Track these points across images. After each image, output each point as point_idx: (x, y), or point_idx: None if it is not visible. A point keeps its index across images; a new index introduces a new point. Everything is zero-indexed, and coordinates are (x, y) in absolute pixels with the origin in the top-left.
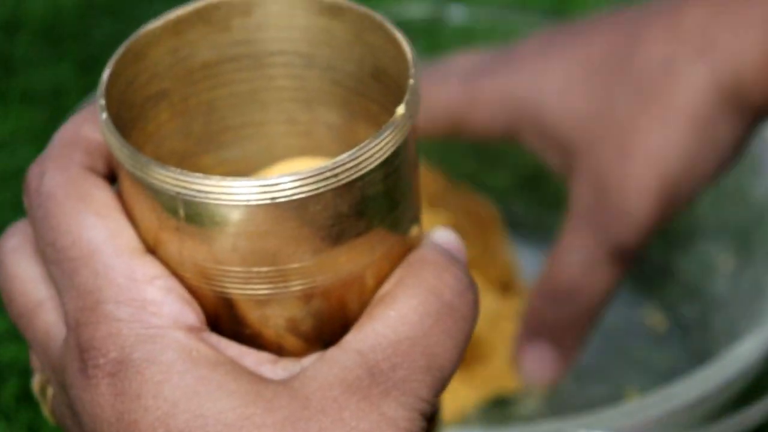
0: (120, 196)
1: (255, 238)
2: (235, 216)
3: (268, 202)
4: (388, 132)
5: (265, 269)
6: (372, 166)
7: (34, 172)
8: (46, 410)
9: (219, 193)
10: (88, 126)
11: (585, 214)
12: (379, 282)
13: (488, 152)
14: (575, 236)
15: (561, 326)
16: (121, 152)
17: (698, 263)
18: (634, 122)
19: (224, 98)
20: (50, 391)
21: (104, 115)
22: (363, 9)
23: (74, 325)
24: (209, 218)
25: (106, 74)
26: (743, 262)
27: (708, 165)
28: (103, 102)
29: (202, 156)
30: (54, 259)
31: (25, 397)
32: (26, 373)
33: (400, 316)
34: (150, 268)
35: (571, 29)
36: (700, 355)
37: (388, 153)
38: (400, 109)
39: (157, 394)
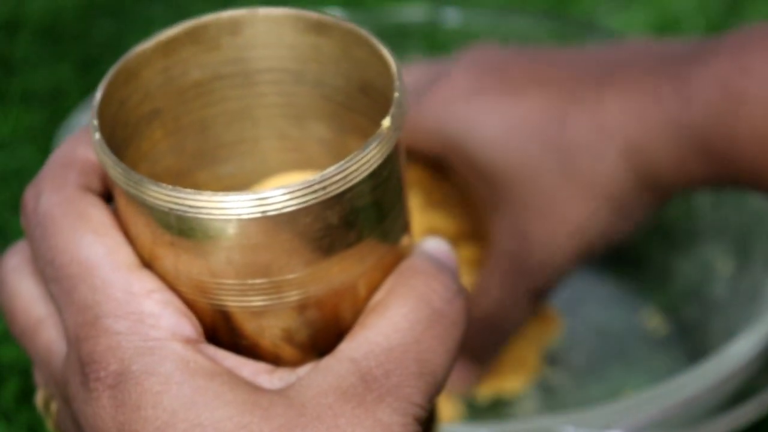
0: (116, 214)
1: (248, 251)
2: (227, 230)
3: (259, 215)
4: (374, 144)
5: (259, 281)
6: (360, 178)
7: (30, 193)
8: (50, 425)
9: (211, 208)
10: (83, 147)
11: (508, 258)
12: (371, 291)
13: None
14: (499, 276)
15: (480, 347)
16: (115, 171)
17: (698, 266)
18: (559, 192)
19: (216, 116)
20: (54, 406)
21: (97, 136)
22: (349, 25)
23: (74, 340)
24: (203, 233)
25: (98, 95)
26: (742, 266)
27: (622, 231)
28: (95, 122)
29: (196, 173)
30: (53, 277)
31: (25, 398)
32: (26, 374)
33: (391, 324)
34: (147, 282)
35: (502, 74)
36: (699, 358)
37: (375, 165)
38: (386, 122)
39: (156, 405)
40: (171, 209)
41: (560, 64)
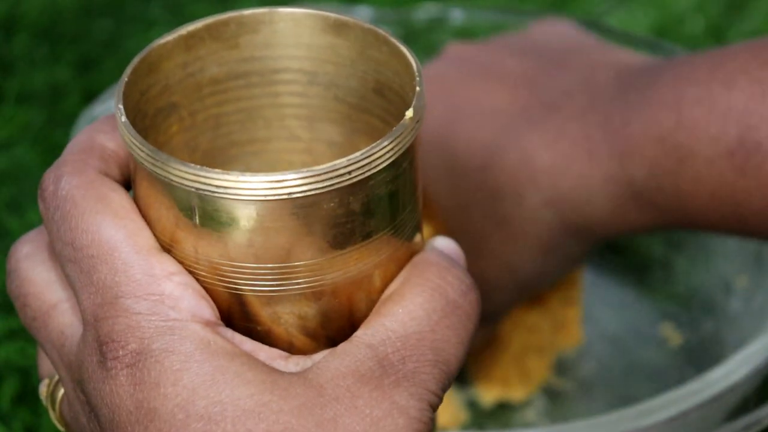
0: (136, 200)
1: (270, 234)
2: (251, 211)
3: (284, 197)
4: (398, 132)
5: (278, 266)
6: (383, 165)
7: (49, 177)
8: (54, 416)
9: (237, 188)
10: (102, 135)
11: None
12: (386, 282)
13: None
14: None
15: None
16: (141, 151)
17: (716, 281)
18: (489, 234)
19: (230, 114)
20: (61, 393)
21: (123, 118)
22: (367, 25)
23: (93, 321)
24: (226, 214)
25: (123, 82)
26: (756, 281)
27: (556, 271)
28: (121, 106)
29: None
30: (72, 258)
31: (23, 399)
32: (24, 374)
33: (407, 312)
34: (167, 264)
35: (448, 97)
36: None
37: (399, 153)
38: (409, 113)
39: (176, 382)
40: (197, 189)
41: (508, 87)
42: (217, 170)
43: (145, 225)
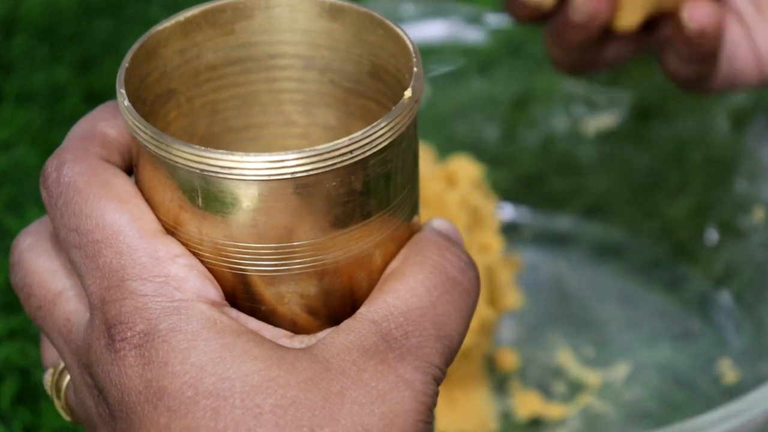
0: (139, 185)
1: (273, 214)
2: (254, 191)
3: (287, 176)
4: (398, 112)
5: (280, 245)
6: (384, 144)
7: (51, 164)
8: (59, 404)
9: (241, 169)
10: (103, 123)
11: None
12: (386, 261)
13: (489, 152)
14: None
15: None
16: (145, 133)
17: None
18: None
19: (227, 100)
20: (66, 380)
21: (126, 103)
22: (363, 9)
23: (99, 304)
24: (230, 194)
25: (123, 68)
26: None
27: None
28: (123, 90)
29: None
30: (77, 243)
31: (22, 399)
32: (23, 374)
33: (409, 289)
34: (172, 247)
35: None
36: None
37: (398, 132)
38: (408, 93)
39: (184, 360)
40: (201, 170)
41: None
42: (220, 151)
43: (148, 209)
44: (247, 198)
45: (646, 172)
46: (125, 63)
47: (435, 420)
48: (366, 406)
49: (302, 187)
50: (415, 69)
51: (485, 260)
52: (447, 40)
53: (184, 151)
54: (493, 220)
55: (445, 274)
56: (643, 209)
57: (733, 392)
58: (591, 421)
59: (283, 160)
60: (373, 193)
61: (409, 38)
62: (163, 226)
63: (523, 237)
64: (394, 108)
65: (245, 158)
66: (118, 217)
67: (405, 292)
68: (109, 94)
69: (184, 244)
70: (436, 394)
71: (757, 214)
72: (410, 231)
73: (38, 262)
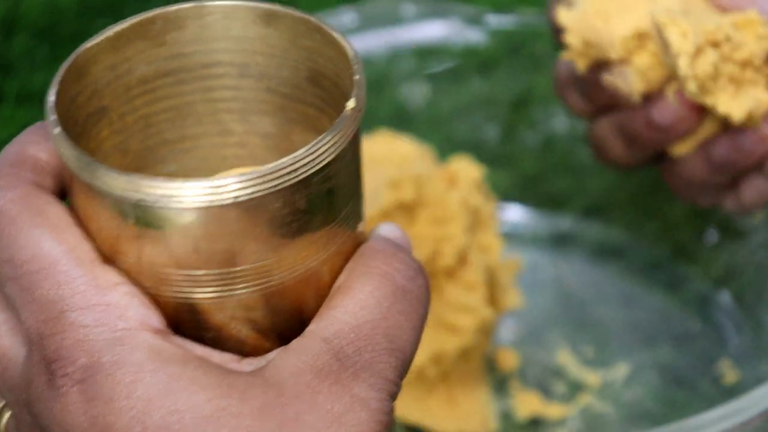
0: (74, 211)
1: (215, 239)
2: (195, 218)
3: (229, 201)
4: (341, 124)
5: (225, 271)
6: (328, 160)
7: None
8: None
9: (180, 197)
10: (34, 146)
11: None
12: (334, 277)
13: (489, 153)
14: None
15: None
16: (77, 162)
17: None
18: None
19: (160, 113)
20: (7, 416)
21: (57, 130)
22: (299, 14)
23: (37, 339)
24: (170, 222)
25: (53, 89)
26: None
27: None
28: (54, 117)
29: (141, 172)
30: (11, 276)
31: None
32: None
33: (358, 302)
34: (111, 275)
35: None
36: None
37: (343, 145)
38: (350, 103)
39: (130, 394)
40: (139, 200)
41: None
42: (158, 179)
43: (84, 237)
44: (187, 225)
45: (646, 173)
46: (54, 85)
47: None
48: (322, 431)
49: (245, 210)
50: (356, 77)
51: (485, 261)
52: (447, 40)
53: (120, 180)
54: (494, 221)
55: (394, 284)
56: (643, 209)
57: (733, 392)
58: (591, 421)
59: (223, 185)
60: (317, 210)
61: (349, 44)
62: (102, 254)
63: (523, 237)
64: (336, 121)
65: (183, 185)
66: (54, 246)
67: (354, 306)
68: None
69: (124, 272)
70: (392, 411)
71: (757, 215)
72: (357, 242)
73: None
